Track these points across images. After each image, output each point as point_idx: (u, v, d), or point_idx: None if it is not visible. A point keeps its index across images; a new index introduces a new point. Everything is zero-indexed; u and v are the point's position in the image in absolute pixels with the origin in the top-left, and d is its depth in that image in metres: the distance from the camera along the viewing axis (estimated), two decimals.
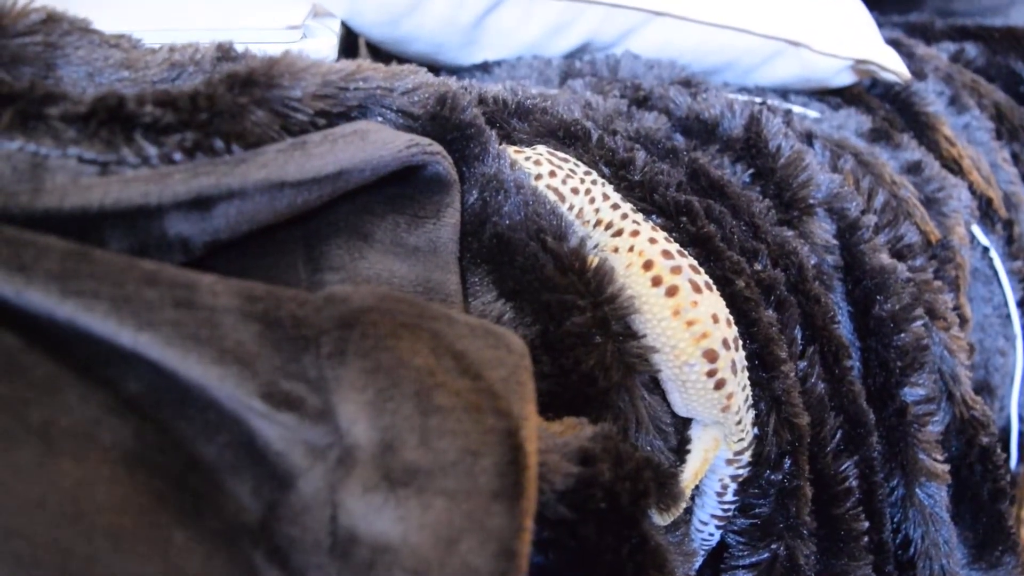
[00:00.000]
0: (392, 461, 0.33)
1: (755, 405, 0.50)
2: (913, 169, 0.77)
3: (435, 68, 0.84)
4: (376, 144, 0.42)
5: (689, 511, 0.53)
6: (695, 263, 0.48)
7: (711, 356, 0.46)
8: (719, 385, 0.47)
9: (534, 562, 0.39)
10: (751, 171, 0.62)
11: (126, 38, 0.49)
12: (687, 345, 0.46)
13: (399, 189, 0.45)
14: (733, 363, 0.47)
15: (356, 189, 0.43)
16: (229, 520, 0.33)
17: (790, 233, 0.58)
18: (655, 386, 0.47)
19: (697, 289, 0.46)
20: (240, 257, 0.40)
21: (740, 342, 0.48)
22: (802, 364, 0.54)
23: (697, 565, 0.55)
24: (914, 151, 0.78)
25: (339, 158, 0.40)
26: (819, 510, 0.53)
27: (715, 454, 0.49)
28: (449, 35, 0.77)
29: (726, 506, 0.52)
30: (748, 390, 0.49)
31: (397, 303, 0.35)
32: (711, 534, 0.53)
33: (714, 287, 0.48)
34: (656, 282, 0.46)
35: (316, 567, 0.34)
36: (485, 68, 0.81)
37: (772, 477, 0.51)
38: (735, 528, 0.53)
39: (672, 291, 0.46)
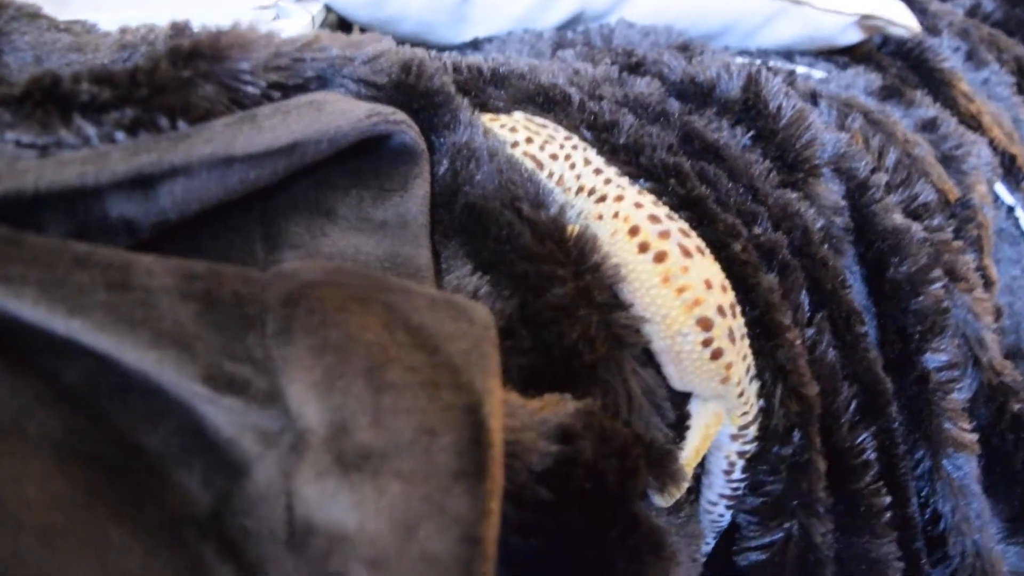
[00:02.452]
0: (344, 444, 0.30)
1: (759, 376, 0.47)
2: (928, 126, 0.73)
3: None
4: (333, 115, 0.40)
5: (693, 491, 0.50)
6: (685, 226, 0.45)
7: (705, 324, 0.43)
8: (716, 355, 0.44)
9: (517, 547, 0.36)
10: (751, 133, 0.59)
11: (80, 23, 0.47)
12: (679, 313, 0.43)
13: (363, 162, 0.42)
14: (730, 331, 0.44)
15: (316, 163, 0.40)
16: (175, 513, 0.31)
17: (794, 195, 0.55)
18: (649, 359, 0.44)
19: (687, 253, 0.43)
20: (193, 238, 0.38)
21: (738, 309, 0.45)
22: (810, 331, 0.50)
23: (708, 547, 0.52)
24: (929, 108, 0.74)
25: (292, 130, 0.38)
26: (836, 486, 0.50)
27: (717, 429, 0.46)
28: (436, 13, 0.74)
29: (734, 485, 0.49)
30: (750, 360, 0.46)
31: (348, 276, 0.33)
32: (720, 515, 0.50)
33: (707, 251, 0.45)
34: (643, 248, 0.43)
35: (273, 560, 0.31)
36: (475, 46, 0.78)
37: (781, 452, 0.48)
38: (745, 507, 0.50)
39: (660, 256, 0.43)
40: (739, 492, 0.49)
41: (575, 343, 0.41)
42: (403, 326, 0.32)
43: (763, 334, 0.47)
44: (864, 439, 0.51)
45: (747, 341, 0.46)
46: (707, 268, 0.44)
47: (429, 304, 0.33)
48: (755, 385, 0.47)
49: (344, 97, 0.42)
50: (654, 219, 0.44)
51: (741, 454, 0.48)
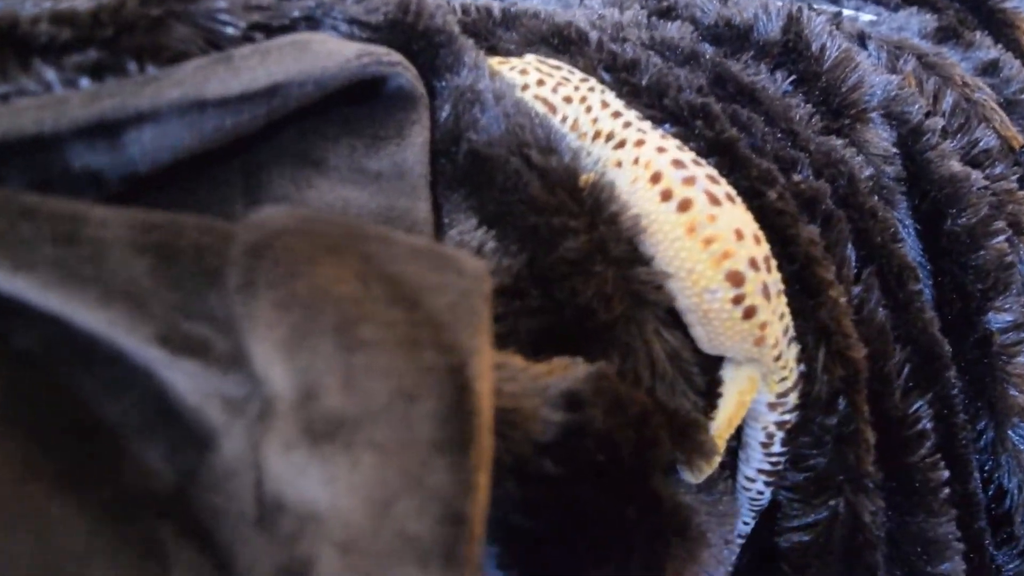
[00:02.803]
0: (314, 411, 0.27)
1: (799, 338, 0.43)
2: (989, 69, 0.67)
3: None
4: (319, 55, 0.36)
5: (728, 466, 0.45)
6: (714, 172, 0.41)
7: (736, 279, 0.39)
8: (749, 313, 0.39)
9: (521, 528, 0.33)
10: (792, 78, 0.54)
11: None
12: (706, 267, 0.39)
13: (355, 108, 0.39)
14: (764, 286, 0.39)
15: (303, 110, 0.37)
16: (131, 490, 0.28)
17: (839, 142, 0.50)
18: (674, 319, 0.40)
19: (715, 201, 0.39)
20: (167, 192, 0.35)
21: (773, 263, 0.40)
22: (857, 289, 0.46)
23: (747, 528, 0.48)
24: (990, 50, 0.68)
25: (272, 72, 0.35)
26: (888, 459, 0.45)
27: (752, 397, 0.42)
28: None
29: (774, 459, 0.45)
30: (788, 319, 0.42)
31: (322, 224, 0.30)
32: (760, 492, 0.46)
33: (738, 199, 0.40)
34: (666, 196, 0.39)
35: (243, 542, 0.28)
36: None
37: (826, 422, 0.43)
38: (786, 484, 0.45)
39: (685, 205, 0.39)
40: (779, 467, 0.45)
41: (589, 301, 0.37)
42: (380, 278, 0.28)
43: (803, 291, 0.42)
44: (919, 407, 0.46)
45: (784, 299, 0.41)
46: (738, 217, 0.40)
47: (411, 253, 0.30)
48: (795, 348, 0.42)
49: (331, 37, 0.38)
50: (678, 164, 0.40)
51: (780, 424, 0.44)
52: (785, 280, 0.42)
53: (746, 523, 0.48)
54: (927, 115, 0.54)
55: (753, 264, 0.39)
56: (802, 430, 0.44)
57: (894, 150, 0.53)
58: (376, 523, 0.26)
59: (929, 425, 0.46)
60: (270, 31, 0.38)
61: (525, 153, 0.38)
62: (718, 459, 0.41)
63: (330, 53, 0.36)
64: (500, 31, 0.47)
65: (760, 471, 0.45)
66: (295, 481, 0.27)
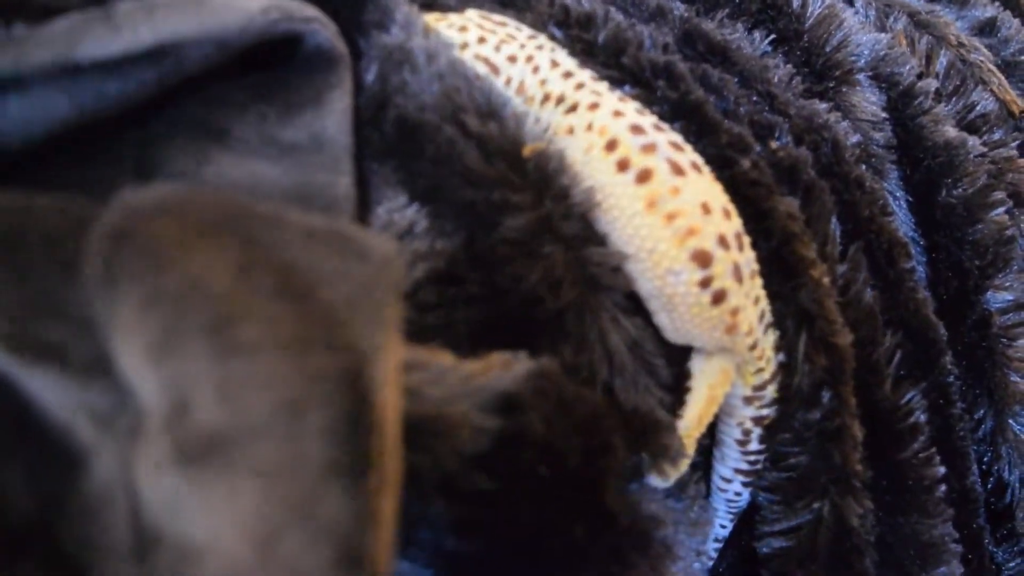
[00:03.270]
0: (186, 427, 0.22)
1: (778, 323, 0.38)
2: (986, 29, 0.62)
3: None
4: (216, 10, 0.31)
5: (700, 467, 0.41)
6: (678, 138, 0.36)
7: (703, 259, 0.34)
8: (718, 298, 0.35)
9: (455, 552, 0.29)
10: (772, 37, 0.49)
11: None
12: (669, 246, 0.34)
13: (266, 71, 0.34)
14: (735, 267, 0.35)
15: (204, 75, 0.32)
16: None
17: (823, 106, 0.46)
18: (635, 305, 0.36)
19: (679, 171, 0.35)
20: (47, 171, 0.30)
21: (746, 240, 0.36)
22: (842, 267, 0.41)
23: (726, 531, 0.44)
24: (986, 8, 0.63)
25: (159, 30, 0.30)
26: (877, 455, 0.41)
27: (725, 391, 0.37)
28: None
29: (752, 457, 0.40)
30: (764, 303, 0.37)
31: (198, 203, 0.25)
32: (737, 493, 0.42)
33: (705, 168, 0.36)
34: (623, 166, 0.35)
35: None
36: None
37: (808, 416, 0.39)
38: (766, 484, 0.41)
39: (644, 176, 0.34)
40: (758, 466, 0.41)
41: (535, 287, 0.33)
42: (265, 267, 0.24)
43: (781, 271, 0.38)
44: (912, 398, 0.42)
45: (759, 280, 0.37)
46: (705, 189, 0.35)
47: (304, 236, 0.25)
48: (772, 335, 0.38)
49: None
50: (637, 130, 0.35)
51: (758, 420, 0.39)
52: (760, 259, 0.37)
53: (723, 526, 0.44)
54: (919, 76, 0.50)
55: (722, 242, 0.34)
56: (782, 426, 0.39)
57: (883, 115, 0.48)
58: (261, 561, 0.22)
59: (923, 417, 0.42)
60: None
61: (460, 119, 0.34)
62: (687, 462, 0.36)
63: (230, 7, 0.31)
64: None
65: (737, 471, 0.41)
66: (172, 509, 0.23)
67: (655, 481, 0.36)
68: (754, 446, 0.40)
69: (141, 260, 0.23)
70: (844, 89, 0.48)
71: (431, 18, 0.39)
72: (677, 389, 0.37)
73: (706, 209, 0.34)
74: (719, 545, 0.44)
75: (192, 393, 0.22)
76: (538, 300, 0.33)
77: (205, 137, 0.32)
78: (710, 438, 0.41)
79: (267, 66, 0.34)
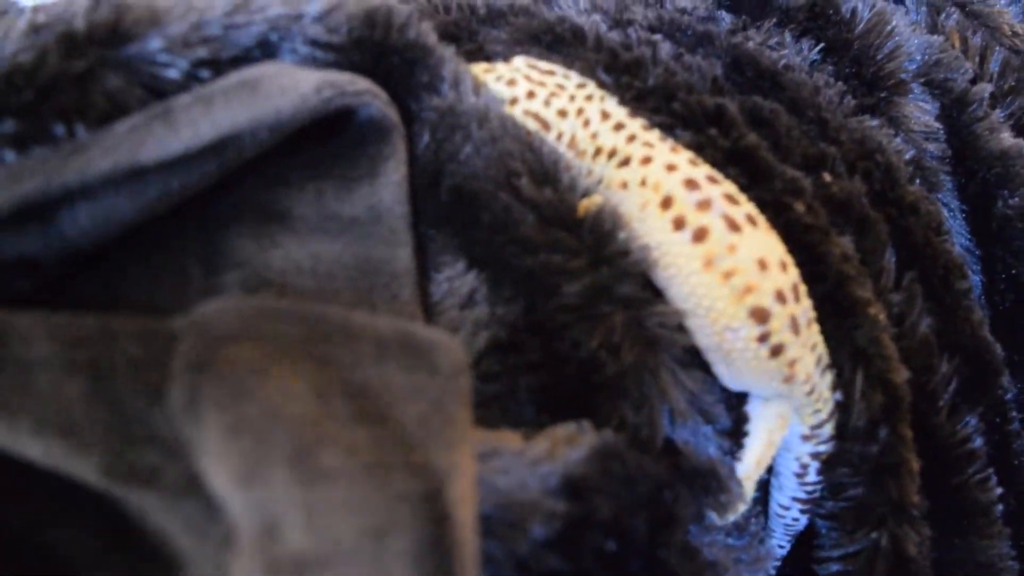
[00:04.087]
0: (276, 550, 0.24)
1: (834, 362, 0.39)
2: None
3: None
4: (271, 95, 0.32)
5: (760, 501, 0.42)
6: (733, 190, 0.36)
7: (760, 316, 0.34)
8: (776, 351, 0.35)
9: None
10: (820, 47, 0.48)
11: None
12: (727, 304, 0.34)
13: (321, 147, 0.34)
14: (793, 320, 0.35)
15: (261, 156, 0.33)
16: None
17: (874, 123, 0.45)
18: (693, 357, 0.36)
19: (734, 227, 0.35)
20: (114, 267, 0.31)
21: (803, 289, 0.36)
22: (897, 297, 0.41)
23: (784, 551, 0.45)
24: None
25: (218, 123, 0.30)
26: (933, 482, 0.41)
27: (783, 434, 0.38)
28: None
29: (809, 488, 0.41)
30: (820, 349, 0.37)
31: (272, 322, 0.26)
32: (795, 519, 0.43)
33: (760, 220, 0.36)
34: (678, 224, 0.35)
35: None
36: None
37: (865, 451, 0.39)
38: (823, 512, 0.42)
39: (700, 234, 0.34)
40: (815, 495, 0.41)
41: (595, 353, 0.33)
42: (341, 389, 0.25)
43: (836, 312, 0.38)
44: (968, 423, 0.42)
45: (816, 327, 0.37)
46: (761, 243, 0.35)
47: (376, 351, 0.26)
48: (829, 376, 0.38)
49: (290, 67, 0.33)
50: (691, 184, 0.35)
51: (815, 455, 0.40)
52: (816, 301, 0.37)
53: (781, 547, 0.45)
54: (973, 81, 0.48)
55: (779, 297, 0.35)
56: (839, 460, 0.40)
57: (936, 125, 0.47)
58: None
59: (980, 441, 0.42)
60: (219, 66, 0.33)
61: (514, 185, 0.34)
62: (745, 505, 0.37)
63: (284, 90, 0.32)
64: (485, 29, 0.42)
65: (795, 499, 0.42)
66: None
67: (715, 518, 0.37)
68: (812, 477, 0.40)
69: (222, 390, 0.24)
70: (896, 99, 0.47)
71: (479, 69, 0.38)
72: (736, 432, 0.38)
73: (763, 265, 0.34)
74: (777, 563, 0.45)
75: (280, 518, 0.24)
76: (598, 365, 0.33)
77: (267, 219, 0.33)
78: (767, 469, 0.42)
79: (320, 138, 0.34)
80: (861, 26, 0.48)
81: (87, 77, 0.30)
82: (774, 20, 0.49)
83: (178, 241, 0.32)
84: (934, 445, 0.41)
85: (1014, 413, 0.45)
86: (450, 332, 0.33)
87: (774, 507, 0.43)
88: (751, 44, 0.45)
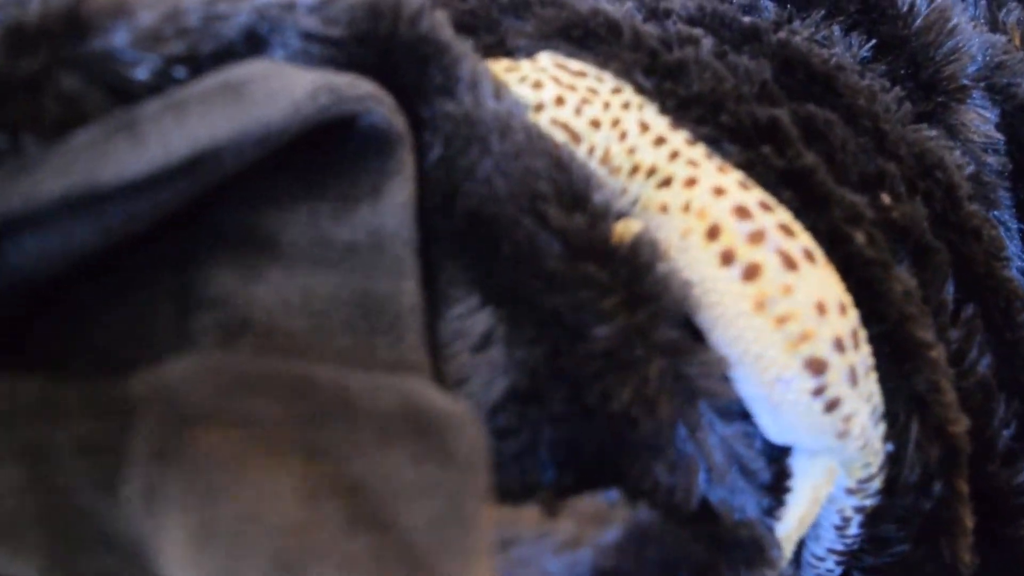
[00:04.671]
0: None
1: (888, 408, 0.34)
2: None
3: None
4: (258, 101, 0.27)
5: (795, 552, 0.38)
6: (788, 219, 0.31)
7: (817, 366, 0.30)
8: (832, 406, 0.31)
9: None
10: (872, 43, 0.44)
11: None
12: (779, 353, 0.30)
13: (316, 161, 0.29)
14: (851, 371, 0.31)
15: (245, 172, 0.28)
16: None
17: (933, 133, 0.40)
18: (735, 405, 0.32)
19: (791, 264, 0.30)
20: (75, 303, 0.27)
21: (862, 334, 0.32)
22: (956, 334, 0.37)
23: None
24: None
25: (193, 136, 0.25)
26: (985, 534, 0.38)
27: (829, 490, 0.34)
28: None
29: (849, 540, 0.37)
30: (876, 399, 0.33)
31: (252, 396, 0.21)
32: (829, 570, 0.39)
33: (818, 254, 0.31)
34: (727, 259, 0.30)
35: None
36: None
37: (916, 506, 0.35)
38: (864, 566, 0.38)
39: (752, 272, 0.30)
40: (854, 547, 0.37)
41: (628, 406, 0.29)
42: (335, 486, 0.20)
43: (895, 356, 0.34)
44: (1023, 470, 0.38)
45: (874, 375, 0.32)
46: (820, 283, 0.31)
47: (379, 435, 0.21)
48: (882, 427, 0.34)
49: (281, 66, 0.29)
50: (742, 213, 0.31)
51: (860, 509, 0.36)
52: (873, 342, 0.33)
53: None
54: None
55: (838, 345, 0.30)
56: (887, 514, 0.36)
57: (997, 135, 0.43)
58: None
59: None
60: (197, 64, 0.28)
61: (540, 210, 0.29)
62: (784, 563, 0.33)
63: (273, 96, 0.27)
64: (508, 20, 0.36)
65: (831, 551, 0.38)
66: None
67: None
68: (853, 530, 0.37)
69: (190, 485, 0.20)
70: (954, 106, 0.43)
71: (500, 68, 0.34)
72: (777, 488, 0.34)
73: (821, 309, 0.30)
74: None
75: None
76: (630, 420, 0.29)
77: (251, 247, 0.28)
78: None
79: (314, 150, 0.29)
80: (919, 22, 0.43)
81: (40, 79, 0.25)
82: (822, 12, 0.44)
83: (146, 273, 0.27)
84: (988, 495, 0.37)
85: None
86: (461, 380, 0.29)
87: (808, 556, 0.39)
88: (799, 40, 0.40)
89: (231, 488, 0.20)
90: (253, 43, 0.30)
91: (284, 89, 0.27)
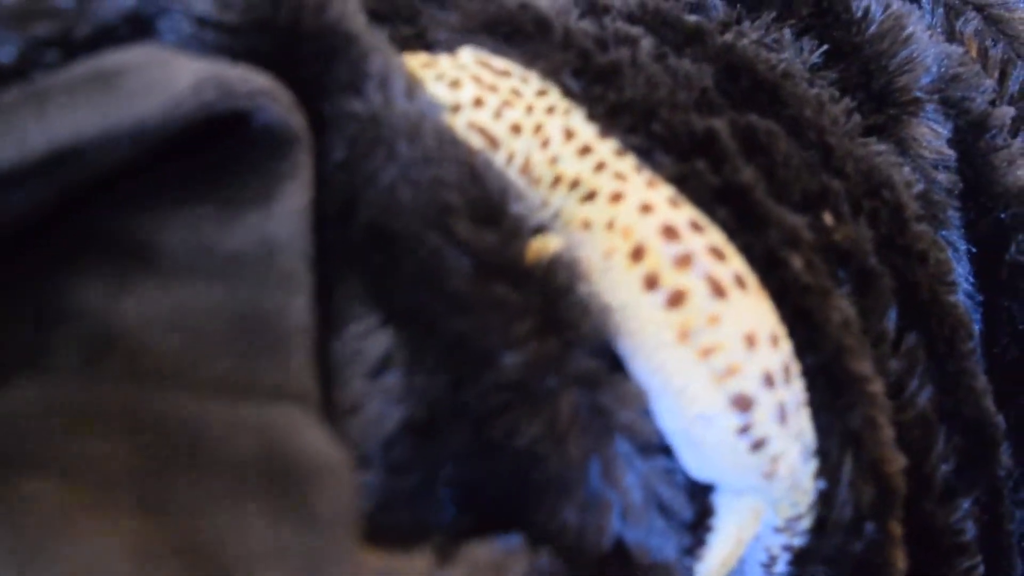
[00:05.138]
0: None
1: (820, 441, 0.32)
2: None
3: None
4: (133, 93, 0.24)
5: None
6: (720, 241, 0.29)
7: (743, 403, 0.28)
8: (758, 445, 0.29)
9: None
10: (823, 48, 0.41)
11: None
12: (703, 387, 0.28)
13: (200, 160, 0.26)
14: (780, 408, 0.29)
15: (118, 172, 0.25)
16: None
17: (883, 147, 0.38)
18: (656, 441, 0.30)
19: (719, 291, 0.28)
20: None
21: (795, 367, 0.30)
22: (896, 364, 0.35)
23: None
24: None
25: (53, 131, 0.23)
26: (914, 570, 0.36)
27: (755, 530, 0.32)
28: None
29: None
30: (807, 436, 0.31)
31: (91, 437, 0.18)
32: None
33: (750, 280, 0.29)
34: (651, 283, 0.28)
35: None
36: None
37: (846, 547, 0.33)
38: None
39: (677, 298, 0.28)
40: None
41: (536, 442, 0.27)
42: (176, 548, 0.18)
43: (829, 389, 0.32)
44: (961, 507, 0.36)
45: (806, 411, 0.30)
46: (750, 313, 0.28)
47: (232, 488, 0.19)
48: (812, 464, 0.32)
49: (165, 54, 0.26)
50: (669, 233, 0.28)
51: (787, 547, 0.34)
52: (807, 375, 0.31)
53: None
54: (993, 103, 0.42)
55: (768, 380, 0.28)
56: (816, 554, 0.34)
57: (949, 152, 0.41)
58: None
59: (972, 528, 0.37)
60: (70, 48, 0.25)
61: (448, 225, 0.27)
62: None
63: (150, 88, 0.24)
64: (430, 10, 0.33)
65: None
66: None
67: None
68: (780, 569, 0.35)
69: (8, 545, 0.17)
70: (905, 119, 0.41)
71: (417, 63, 0.31)
72: (698, 525, 0.32)
73: (750, 341, 0.28)
74: None
75: None
76: (539, 457, 0.27)
77: (121, 255, 0.25)
78: None
79: (199, 148, 0.27)
80: (873, 28, 0.41)
81: None
82: (772, 14, 0.42)
83: (15, 284, 0.24)
84: (923, 534, 0.35)
85: (1008, 491, 0.39)
86: (354, 408, 0.26)
87: None
88: (746, 43, 0.38)
89: (55, 547, 0.17)
90: (138, 27, 0.27)
91: (163, 81, 0.24)
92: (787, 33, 0.42)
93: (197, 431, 0.21)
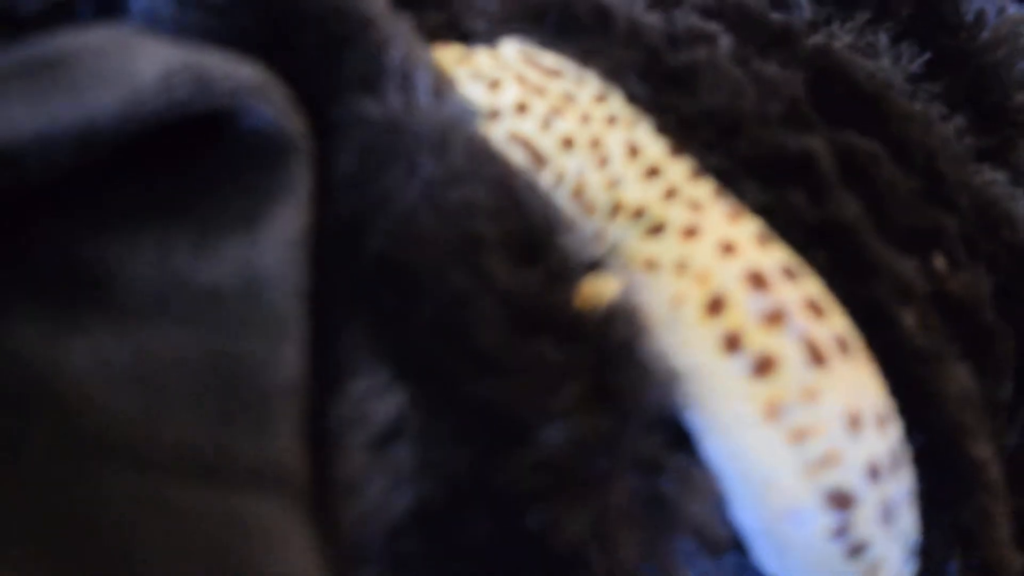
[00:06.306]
0: None
1: (923, 534, 0.27)
2: None
3: None
4: (86, 85, 0.19)
5: None
6: (818, 294, 0.23)
7: (842, 501, 0.22)
8: (856, 551, 0.23)
9: None
10: (925, 57, 0.35)
11: None
12: (792, 479, 0.22)
13: (172, 172, 0.21)
14: (886, 507, 0.23)
15: (67, 185, 0.20)
16: None
17: (997, 177, 0.32)
18: (724, 537, 0.24)
19: (818, 358, 0.22)
20: None
21: (905, 454, 0.24)
22: (1012, 440, 0.29)
23: None
24: None
25: None
26: None
27: None
28: None
29: None
30: (912, 533, 0.25)
31: None
32: None
33: (854, 344, 0.23)
34: (732, 344, 0.22)
35: None
36: None
37: None
38: None
39: (765, 365, 0.22)
40: None
41: (580, 545, 0.21)
42: None
43: (939, 475, 0.26)
44: None
45: (914, 510, 0.25)
46: (854, 386, 0.23)
47: None
48: (912, 566, 0.26)
49: (130, 38, 0.20)
50: (757, 281, 0.23)
51: None
52: (914, 457, 0.25)
53: None
54: None
55: (873, 473, 0.22)
56: None
57: None
58: None
59: None
60: (24, 27, 0.20)
61: (479, 262, 0.21)
62: None
63: (105, 81, 0.19)
64: None
65: None
66: None
67: None
68: None
69: None
70: (1021, 143, 0.35)
71: (448, 58, 0.25)
72: None
73: (854, 422, 0.22)
74: None
75: None
76: (579, 561, 0.21)
77: (70, 288, 0.20)
78: None
79: (173, 154, 0.21)
80: (986, 34, 0.35)
81: None
82: (868, 14, 0.36)
83: None
84: None
85: None
86: (352, 487, 0.21)
87: None
88: (840, 47, 0.32)
89: None
90: (103, 5, 0.21)
91: (122, 71, 0.19)
92: (883, 38, 0.36)
93: (139, 532, 0.15)
